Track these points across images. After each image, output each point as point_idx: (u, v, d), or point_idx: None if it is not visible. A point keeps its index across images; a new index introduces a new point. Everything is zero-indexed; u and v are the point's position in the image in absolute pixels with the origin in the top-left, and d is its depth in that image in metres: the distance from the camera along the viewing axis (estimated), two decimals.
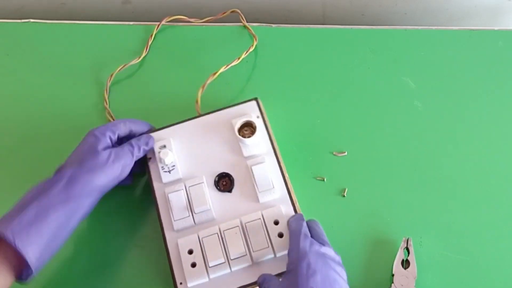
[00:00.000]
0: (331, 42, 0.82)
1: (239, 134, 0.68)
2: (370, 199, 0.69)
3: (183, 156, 0.69)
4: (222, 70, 0.77)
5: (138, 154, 0.66)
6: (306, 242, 0.57)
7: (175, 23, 0.87)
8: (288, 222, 0.63)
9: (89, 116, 0.78)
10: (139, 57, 0.83)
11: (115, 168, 0.63)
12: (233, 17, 0.85)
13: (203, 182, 0.66)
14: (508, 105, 0.75)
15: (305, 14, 0.95)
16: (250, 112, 0.70)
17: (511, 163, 0.71)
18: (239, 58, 0.80)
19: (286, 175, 0.67)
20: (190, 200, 0.65)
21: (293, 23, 0.86)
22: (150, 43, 0.84)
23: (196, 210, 0.65)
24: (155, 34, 0.85)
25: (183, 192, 0.66)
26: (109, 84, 0.80)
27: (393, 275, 0.63)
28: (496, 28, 0.82)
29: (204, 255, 0.62)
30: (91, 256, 0.68)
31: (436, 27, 0.83)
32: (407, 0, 0.91)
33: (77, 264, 0.68)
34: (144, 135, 0.69)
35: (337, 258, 0.58)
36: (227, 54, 0.81)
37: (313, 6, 0.93)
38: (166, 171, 0.68)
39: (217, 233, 0.63)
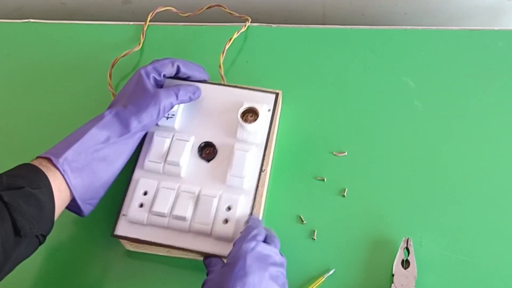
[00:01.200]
0: (331, 42, 0.82)
1: (242, 117, 0.69)
2: (370, 199, 0.69)
3: (187, 112, 0.71)
4: (235, 36, 0.81)
5: (182, 99, 0.68)
6: (252, 242, 0.57)
7: (166, 23, 0.87)
8: (247, 219, 0.64)
9: (91, 115, 0.78)
10: (139, 44, 0.83)
11: (157, 110, 0.65)
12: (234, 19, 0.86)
13: (188, 141, 0.68)
14: (508, 105, 0.75)
15: (305, 14, 0.95)
16: (265, 102, 0.70)
17: (511, 163, 0.71)
18: (230, 39, 0.81)
19: (266, 176, 0.68)
20: (169, 150, 0.67)
21: (293, 23, 0.85)
22: (145, 29, 0.84)
23: (168, 160, 0.66)
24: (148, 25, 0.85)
25: (167, 141, 0.68)
26: (110, 82, 0.80)
27: (393, 275, 0.63)
28: (496, 28, 0.82)
29: (153, 202, 0.65)
30: None
31: (436, 27, 0.83)
32: (407, 0, 0.91)
33: None
34: (193, 87, 0.70)
35: (280, 260, 0.58)
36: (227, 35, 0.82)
37: (313, 6, 0.93)
38: (164, 116, 0.70)
39: (175, 190, 0.65)
